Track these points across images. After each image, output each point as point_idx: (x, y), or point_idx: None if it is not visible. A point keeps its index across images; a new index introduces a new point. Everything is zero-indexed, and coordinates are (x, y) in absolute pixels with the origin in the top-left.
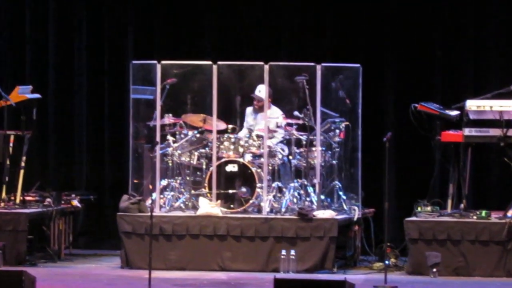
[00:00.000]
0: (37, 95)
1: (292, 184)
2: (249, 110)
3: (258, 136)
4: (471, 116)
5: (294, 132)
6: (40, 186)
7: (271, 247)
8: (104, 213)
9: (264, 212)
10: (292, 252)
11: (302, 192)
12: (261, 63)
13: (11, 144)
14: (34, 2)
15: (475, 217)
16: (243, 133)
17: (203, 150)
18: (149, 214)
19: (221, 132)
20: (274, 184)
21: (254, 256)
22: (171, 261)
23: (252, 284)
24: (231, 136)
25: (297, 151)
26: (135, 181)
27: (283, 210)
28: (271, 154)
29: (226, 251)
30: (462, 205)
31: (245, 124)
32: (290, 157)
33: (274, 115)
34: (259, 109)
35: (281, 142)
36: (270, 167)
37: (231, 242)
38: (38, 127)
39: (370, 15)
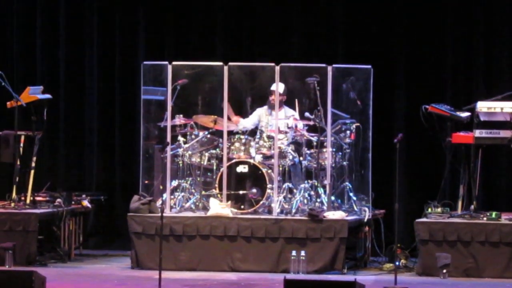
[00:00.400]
0: (47, 96)
1: (302, 185)
2: (262, 110)
3: (269, 137)
4: (482, 118)
5: (305, 133)
6: (51, 187)
7: (281, 248)
8: (115, 214)
9: (274, 213)
10: (302, 253)
11: (312, 193)
12: (272, 64)
13: (21, 145)
14: (45, 4)
15: (485, 219)
16: (243, 124)
17: (213, 151)
18: (159, 214)
19: (232, 133)
20: (285, 185)
21: (264, 256)
22: (181, 262)
23: (262, 284)
24: (242, 137)
25: (308, 152)
26: (146, 181)
27: (293, 211)
28: (282, 155)
29: (236, 252)
30: (472, 207)
31: (248, 119)
32: (301, 158)
33: (288, 114)
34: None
35: (292, 143)
36: (281, 168)
37: (241, 243)
38: (49, 127)
39: (381, 16)
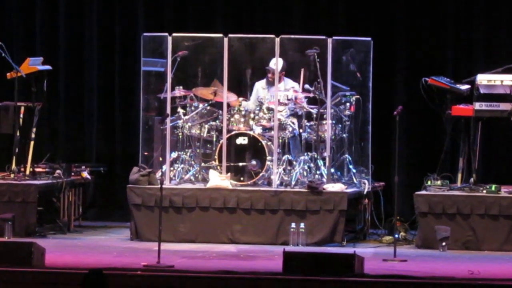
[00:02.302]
0: (47, 67)
1: (302, 157)
2: (260, 84)
3: (269, 109)
4: (482, 91)
5: (305, 105)
6: (50, 158)
7: (281, 220)
8: (114, 185)
9: (274, 185)
10: (302, 225)
11: (312, 165)
12: (272, 36)
13: (21, 116)
14: None
15: (484, 191)
16: (249, 107)
17: (213, 123)
18: (159, 186)
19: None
20: (284, 157)
21: (264, 229)
22: (180, 234)
23: (262, 256)
24: (242, 108)
25: (308, 124)
26: (145, 153)
27: (293, 183)
28: (282, 127)
29: (235, 224)
30: (472, 179)
31: (251, 98)
32: (301, 130)
33: (288, 86)
34: (273, 82)
35: (291, 115)
36: (281, 140)
37: (240, 215)
38: (49, 98)
39: None
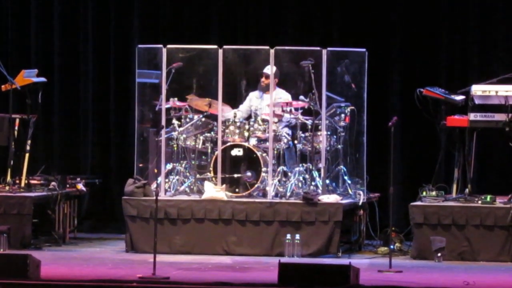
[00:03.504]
0: (42, 79)
1: (297, 169)
2: (254, 94)
3: (264, 120)
4: (477, 101)
5: (300, 116)
6: (45, 170)
7: (276, 231)
8: (109, 197)
9: (269, 196)
10: (297, 236)
11: (307, 176)
12: (267, 47)
13: (16, 128)
14: None
15: (480, 202)
16: (239, 115)
17: (208, 134)
18: (154, 198)
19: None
20: (279, 168)
21: (259, 240)
22: (176, 245)
23: (257, 268)
24: (236, 120)
25: (303, 135)
26: (140, 165)
27: (288, 194)
28: (277, 138)
29: (231, 235)
30: (467, 190)
31: (243, 106)
32: (296, 142)
33: (279, 95)
34: (266, 87)
35: (286, 126)
36: (276, 151)
37: (236, 226)
38: (44, 110)
39: None
